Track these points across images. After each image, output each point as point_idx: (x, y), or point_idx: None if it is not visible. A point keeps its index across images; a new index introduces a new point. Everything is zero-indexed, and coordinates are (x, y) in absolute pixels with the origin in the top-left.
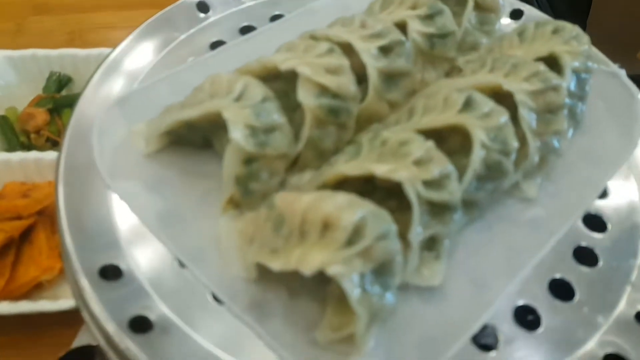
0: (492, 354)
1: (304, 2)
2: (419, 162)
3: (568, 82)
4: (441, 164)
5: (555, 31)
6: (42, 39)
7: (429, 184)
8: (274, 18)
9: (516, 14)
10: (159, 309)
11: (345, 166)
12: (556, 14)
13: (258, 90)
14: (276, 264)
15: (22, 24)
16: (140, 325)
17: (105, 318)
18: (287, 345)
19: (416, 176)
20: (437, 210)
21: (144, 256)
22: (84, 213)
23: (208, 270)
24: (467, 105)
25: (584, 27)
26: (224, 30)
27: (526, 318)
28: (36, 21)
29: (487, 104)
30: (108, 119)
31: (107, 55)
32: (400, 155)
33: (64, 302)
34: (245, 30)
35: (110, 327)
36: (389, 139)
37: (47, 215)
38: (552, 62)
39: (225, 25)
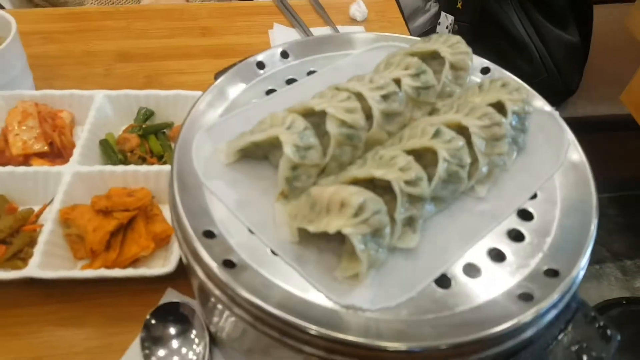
0: (448, 290)
1: (332, 61)
2: (402, 169)
3: (510, 120)
4: (417, 170)
5: (503, 85)
6: (125, 81)
7: (408, 182)
8: (310, 73)
9: (485, 70)
10: (239, 256)
11: (356, 172)
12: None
13: (301, 123)
14: (312, 227)
15: (109, 69)
16: (228, 265)
17: (208, 260)
18: (318, 280)
19: (400, 177)
20: (414, 200)
21: (229, 226)
22: (190, 200)
23: (268, 235)
24: (436, 134)
25: (580, 74)
26: (275, 81)
27: (472, 273)
28: (120, 67)
29: (450, 134)
30: (201, 139)
31: (198, 99)
32: (390, 164)
33: (157, 270)
34: (290, 81)
35: (211, 266)
36: (384, 155)
37: (143, 210)
38: (500, 107)
39: (276, 77)
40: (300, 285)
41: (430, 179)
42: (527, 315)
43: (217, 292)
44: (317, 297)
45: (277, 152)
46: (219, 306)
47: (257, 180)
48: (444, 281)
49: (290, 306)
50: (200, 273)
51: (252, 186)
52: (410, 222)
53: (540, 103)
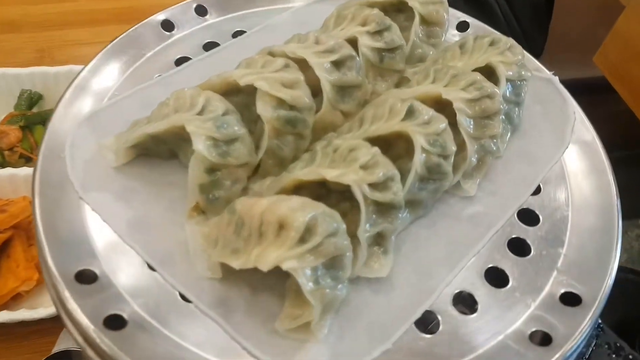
0: (435, 335)
1: (265, 17)
2: (365, 167)
3: (503, 90)
4: (385, 168)
5: (491, 43)
6: (11, 58)
7: (374, 186)
8: (236, 34)
9: (462, 26)
10: (131, 308)
11: (301, 172)
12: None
13: (219, 104)
14: (237, 263)
15: None
16: (113, 323)
17: (82, 317)
18: (249, 336)
19: (363, 179)
20: (384, 209)
21: (117, 261)
22: (60, 223)
23: (175, 272)
24: (410, 113)
25: (545, 36)
26: (188, 47)
27: (465, 303)
28: (4, 40)
29: (427, 112)
30: (79, 134)
31: (77, 75)
32: (349, 160)
33: (43, 311)
34: (209, 46)
35: (88, 326)
36: (339, 146)
37: (22, 229)
38: (489, 72)
39: (189, 42)
40: (225, 348)
41: (404, 178)
42: None
43: None
44: None
45: (187, 148)
46: None
47: (161, 190)
48: (428, 321)
49: None
50: (75, 334)
51: (153, 199)
52: (379, 240)
53: (533, 66)
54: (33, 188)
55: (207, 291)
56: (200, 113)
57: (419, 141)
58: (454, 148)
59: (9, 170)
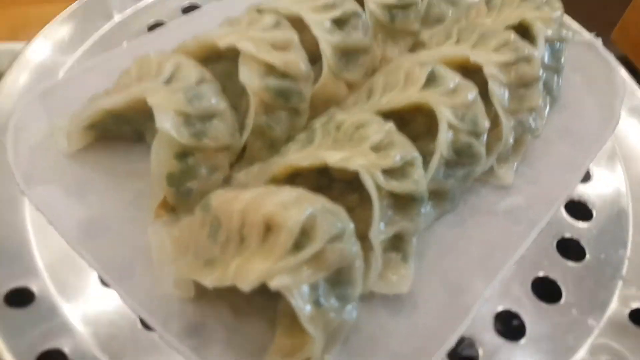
0: None
1: None
2: (377, 148)
3: (541, 52)
4: (403, 149)
5: None
6: None
7: (389, 172)
8: None
9: None
10: (77, 339)
11: (296, 156)
12: None
13: (192, 71)
14: (210, 279)
15: None
16: None
17: (6, 355)
18: None
19: (374, 164)
20: (401, 203)
21: (63, 277)
22: None
23: (135, 288)
24: (431, 81)
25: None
26: (164, 11)
27: (509, 326)
28: None
29: (453, 79)
30: (27, 114)
31: (27, 43)
32: (356, 140)
33: None
34: (189, 10)
35: None
36: (344, 121)
37: None
38: (524, 31)
39: (165, 4)
40: None
41: (425, 162)
42: None
43: None
44: None
45: (155, 128)
46: None
47: (123, 182)
48: (464, 350)
49: None
50: None
51: (112, 193)
52: (397, 243)
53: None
54: None
55: (176, 315)
56: (168, 82)
57: (444, 115)
58: (487, 124)
59: None
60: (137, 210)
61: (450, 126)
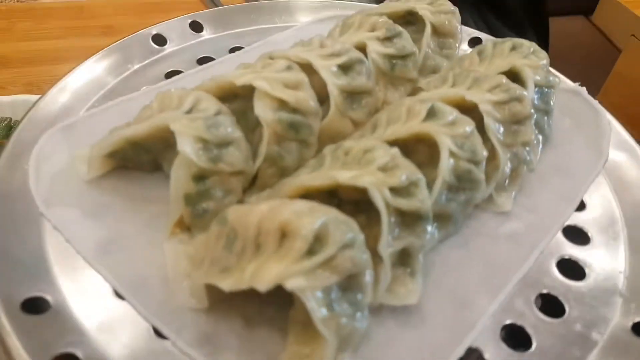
0: None
1: (265, 35)
2: (384, 168)
3: (531, 94)
4: (408, 170)
5: (513, 48)
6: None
7: (396, 191)
8: (234, 50)
9: (475, 41)
10: (91, 346)
11: (307, 177)
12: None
13: (211, 104)
14: (227, 283)
15: None
16: None
17: (24, 357)
18: None
19: (382, 182)
20: (408, 220)
21: (77, 288)
22: (11, 239)
23: (149, 300)
24: (431, 114)
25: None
26: (181, 61)
27: (515, 338)
28: None
29: (451, 113)
30: (49, 144)
31: (56, 83)
32: (364, 163)
33: None
34: (203, 61)
35: None
36: (352, 148)
37: None
38: (514, 77)
39: (182, 56)
40: None
41: (429, 187)
42: None
43: None
44: None
45: (174, 156)
46: None
47: (139, 206)
48: None
49: None
50: None
51: (129, 215)
52: (405, 259)
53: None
54: None
55: (190, 325)
56: (189, 112)
57: (446, 143)
58: (485, 153)
59: None
60: (151, 231)
61: (451, 154)
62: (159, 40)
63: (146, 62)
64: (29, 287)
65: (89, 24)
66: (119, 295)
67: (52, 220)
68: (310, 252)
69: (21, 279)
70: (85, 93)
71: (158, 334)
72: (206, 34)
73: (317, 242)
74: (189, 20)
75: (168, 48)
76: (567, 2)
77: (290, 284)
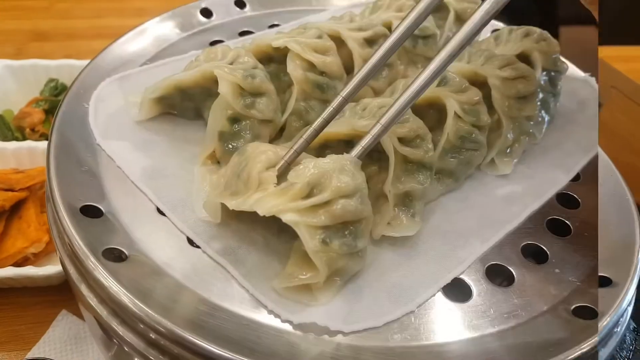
0: (466, 303)
1: (302, 16)
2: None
3: (538, 74)
4: (416, 124)
5: (526, 34)
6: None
7: (404, 141)
8: (272, 27)
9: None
10: (135, 246)
11: (329, 128)
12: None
13: (249, 59)
14: (233, 204)
15: (22, 48)
16: (112, 256)
17: (80, 246)
18: (258, 286)
19: (393, 130)
20: (413, 168)
21: (126, 204)
22: (72, 162)
23: (186, 217)
24: (443, 82)
25: None
26: (224, 32)
27: (499, 276)
28: (36, 47)
29: (462, 82)
30: (107, 89)
31: (113, 41)
32: (378, 115)
33: (51, 268)
34: (244, 34)
35: (86, 255)
36: (369, 104)
37: (37, 195)
38: (525, 60)
39: (225, 28)
40: (231, 295)
41: (435, 146)
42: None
43: (91, 298)
44: (258, 314)
45: (211, 105)
46: (101, 322)
47: (181, 144)
48: (459, 290)
49: (210, 328)
50: (70, 267)
51: (171, 151)
52: (407, 201)
53: (570, 67)
54: (52, 126)
55: (218, 238)
56: (231, 63)
57: (453, 106)
58: (487, 119)
59: (28, 143)
60: (189, 165)
61: (457, 116)
62: (206, 13)
63: (193, 31)
64: (86, 198)
65: (124, 6)
66: (160, 212)
67: (106, 150)
68: (309, 195)
69: (79, 193)
70: (140, 51)
71: (191, 243)
72: (248, 11)
73: (317, 187)
74: None
75: (214, 21)
76: None
77: (285, 217)
